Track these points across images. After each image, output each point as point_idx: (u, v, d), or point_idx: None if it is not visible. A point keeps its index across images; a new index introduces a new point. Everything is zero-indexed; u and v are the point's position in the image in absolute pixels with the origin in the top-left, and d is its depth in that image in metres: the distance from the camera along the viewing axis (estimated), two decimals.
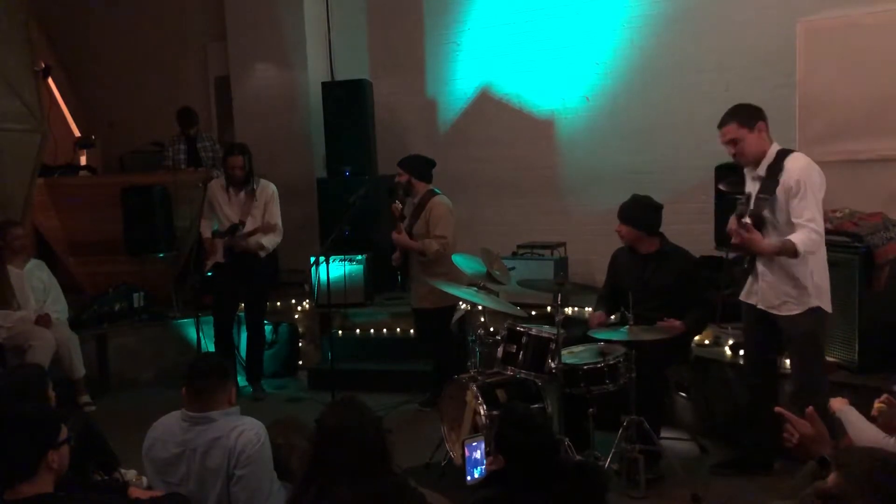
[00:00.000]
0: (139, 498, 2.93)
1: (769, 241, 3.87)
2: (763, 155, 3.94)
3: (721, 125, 3.99)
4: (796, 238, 3.75)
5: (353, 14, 7.77)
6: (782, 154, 3.92)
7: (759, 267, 4.06)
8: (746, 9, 5.97)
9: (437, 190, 5.59)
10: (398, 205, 5.50)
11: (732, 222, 3.96)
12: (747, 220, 3.87)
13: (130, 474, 3.58)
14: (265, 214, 6.02)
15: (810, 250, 3.80)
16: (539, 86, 6.93)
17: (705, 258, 5.31)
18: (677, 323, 4.34)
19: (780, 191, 3.85)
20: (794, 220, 3.80)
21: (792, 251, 3.76)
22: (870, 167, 5.10)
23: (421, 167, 5.58)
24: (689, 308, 4.46)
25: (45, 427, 2.50)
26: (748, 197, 3.99)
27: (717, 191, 5.34)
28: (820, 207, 3.83)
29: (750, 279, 4.14)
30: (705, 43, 6.15)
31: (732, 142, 3.95)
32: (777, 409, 2.45)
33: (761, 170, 3.95)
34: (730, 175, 5.23)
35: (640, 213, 4.58)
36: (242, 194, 6.02)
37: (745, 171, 4.11)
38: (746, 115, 3.94)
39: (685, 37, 6.24)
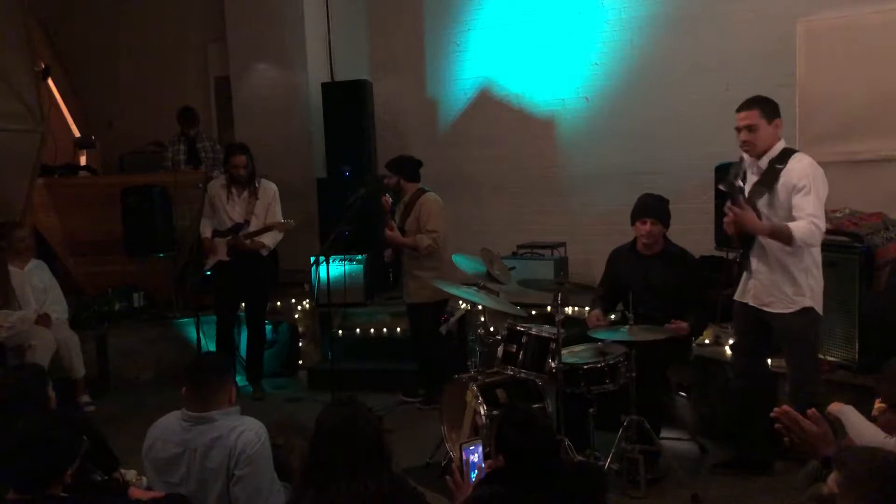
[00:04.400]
0: (139, 498, 2.92)
1: (764, 221, 3.83)
2: (770, 149, 3.95)
3: (742, 109, 3.98)
4: (794, 225, 3.72)
5: (353, 14, 7.76)
6: (787, 152, 3.92)
7: (754, 263, 4.03)
8: (746, 9, 5.97)
9: (426, 188, 5.64)
10: (388, 198, 5.56)
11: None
12: (740, 182, 3.84)
13: (130, 474, 3.57)
14: (268, 214, 6.03)
15: (808, 241, 3.76)
16: (539, 86, 6.93)
17: (705, 258, 5.31)
18: (684, 325, 4.34)
19: (781, 188, 3.84)
20: (795, 214, 3.78)
21: (787, 236, 3.72)
22: (870, 167, 5.10)
23: (409, 168, 5.64)
24: (690, 309, 4.46)
25: (72, 450, 2.56)
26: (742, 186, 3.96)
27: (717, 191, 5.33)
28: (822, 206, 3.81)
29: (744, 276, 4.12)
30: (705, 43, 6.15)
31: (749, 128, 3.94)
32: (785, 407, 2.43)
33: (762, 162, 3.95)
34: (729, 175, 5.24)
35: (664, 209, 4.59)
36: (245, 193, 6.03)
37: (746, 163, 4.10)
38: (770, 108, 3.95)
39: (685, 37, 6.25)
